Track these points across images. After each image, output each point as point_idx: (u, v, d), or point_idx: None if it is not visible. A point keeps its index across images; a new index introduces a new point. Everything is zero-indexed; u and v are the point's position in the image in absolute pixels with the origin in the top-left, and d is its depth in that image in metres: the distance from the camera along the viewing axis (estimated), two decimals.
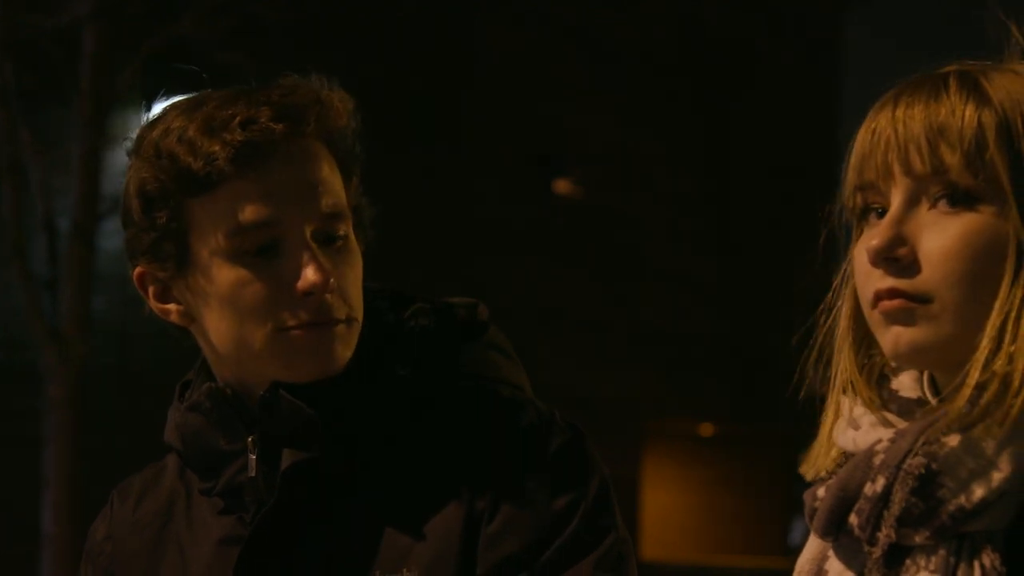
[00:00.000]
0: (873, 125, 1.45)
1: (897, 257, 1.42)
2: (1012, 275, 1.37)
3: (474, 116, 13.55)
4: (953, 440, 1.37)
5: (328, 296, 1.71)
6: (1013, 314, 1.37)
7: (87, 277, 8.92)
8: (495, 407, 1.79)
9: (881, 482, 1.39)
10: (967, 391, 1.37)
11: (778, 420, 15.33)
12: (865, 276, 1.45)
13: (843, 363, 1.52)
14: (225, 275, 1.73)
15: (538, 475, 1.74)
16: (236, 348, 1.75)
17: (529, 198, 14.04)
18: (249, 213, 1.71)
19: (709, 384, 16.22)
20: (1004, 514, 1.36)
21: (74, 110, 8.95)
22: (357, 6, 12.30)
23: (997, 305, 1.37)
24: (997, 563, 1.35)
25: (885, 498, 1.38)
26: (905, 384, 1.49)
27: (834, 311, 1.54)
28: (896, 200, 1.43)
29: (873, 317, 1.45)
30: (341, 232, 1.76)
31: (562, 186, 14.24)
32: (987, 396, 1.35)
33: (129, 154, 1.81)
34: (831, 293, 1.53)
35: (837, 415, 1.51)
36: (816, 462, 1.53)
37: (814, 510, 1.47)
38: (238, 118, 1.70)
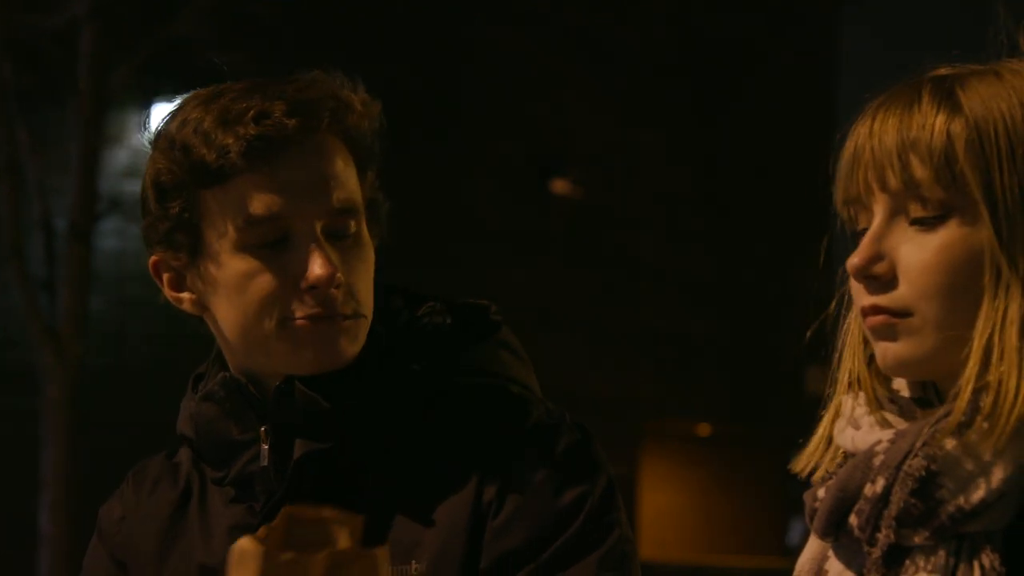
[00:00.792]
0: (853, 140, 1.46)
1: (876, 275, 1.42)
2: (992, 289, 1.37)
3: (471, 115, 13.55)
4: (952, 441, 1.37)
5: (334, 290, 1.72)
6: (998, 328, 1.36)
7: (84, 277, 8.92)
8: (505, 404, 1.80)
9: (881, 483, 1.39)
10: (963, 404, 1.37)
11: (775, 421, 15.33)
12: (856, 290, 1.46)
13: (850, 361, 1.52)
14: (235, 265, 1.74)
15: (546, 472, 1.75)
16: (244, 338, 1.77)
17: (527, 198, 14.05)
18: (259, 206, 1.72)
19: (707, 384, 16.22)
20: (1003, 515, 1.36)
21: (71, 110, 8.96)
22: (354, 5, 12.30)
23: (980, 324, 1.37)
24: (996, 563, 1.35)
25: (885, 499, 1.39)
26: (906, 384, 1.49)
27: (842, 312, 1.54)
28: (877, 216, 1.44)
29: (866, 329, 1.46)
30: (352, 227, 1.77)
31: (560, 186, 14.24)
32: (984, 410, 1.35)
33: (148, 144, 1.83)
34: (837, 293, 1.53)
35: (838, 414, 1.51)
36: (810, 459, 1.53)
37: (814, 510, 1.47)
38: (252, 112, 1.71)
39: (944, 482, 1.36)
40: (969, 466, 1.36)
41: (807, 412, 1.56)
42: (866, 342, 1.50)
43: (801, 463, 1.54)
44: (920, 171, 1.40)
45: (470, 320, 1.87)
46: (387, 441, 1.77)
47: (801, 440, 1.55)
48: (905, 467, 1.38)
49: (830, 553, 1.50)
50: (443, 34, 13.23)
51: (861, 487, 1.41)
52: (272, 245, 1.73)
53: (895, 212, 1.43)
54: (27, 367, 9.51)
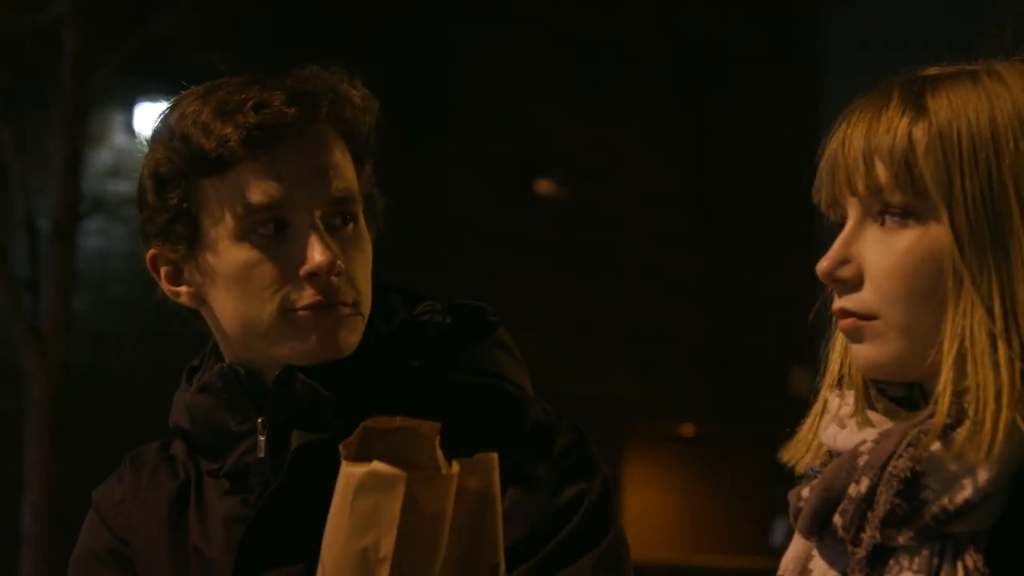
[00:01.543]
0: (831, 143, 1.46)
1: (842, 278, 1.43)
2: (955, 293, 1.37)
3: (457, 115, 13.55)
4: (937, 443, 1.37)
5: (334, 279, 1.72)
6: (968, 333, 1.36)
7: (68, 277, 8.90)
8: (503, 403, 1.81)
9: (865, 483, 1.39)
10: (944, 407, 1.37)
11: (759, 420, 15.35)
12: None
13: (837, 360, 1.52)
14: (234, 255, 1.74)
15: (543, 471, 1.75)
16: (244, 329, 1.76)
17: (512, 197, 14.04)
18: (259, 194, 1.72)
19: (691, 384, 16.23)
20: (988, 515, 1.36)
21: (55, 109, 8.94)
22: (340, 5, 12.29)
23: (948, 329, 1.37)
24: (980, 564, 1.35)
25: (869, 499, 1.39)
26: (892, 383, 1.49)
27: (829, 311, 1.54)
28: (849, 219, 1.45)
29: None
30: (351, 217, 1.77)
31: (545, 186, 14.24)
32: (967, 413, 1.35)
33: (145, 141, 1.82)
34: (824, 293, 1.53)
35: (824, 410, 1.51)
36: (796, 450, 1.53)
37: (799, 510, 1.47)
38: (251, 102, 1.72)
39: (929, 483, 1.36)
40: (954, 467, 1.36)
41: (791, 412, 1.56)
42: None
43: (788, 453, 1.54)
44: (883, 175, 1.41)
45: (468, 320, 1.87)
46: None
47: (788, 430, 1.55)
48: (890, 467, 1.38)
49: (814, 552, 1.50)
50: (430, 34, 13.23)
51: (846, 487, 1.41)
52: (271, 234, 1.73)
53: (864, 216, 1.43)
54: (10, 367, 9.49)
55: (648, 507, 16.45)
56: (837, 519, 1.42)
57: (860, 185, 1.42)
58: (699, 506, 17.31)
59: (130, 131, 10.51)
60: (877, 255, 1.42)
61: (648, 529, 15.84)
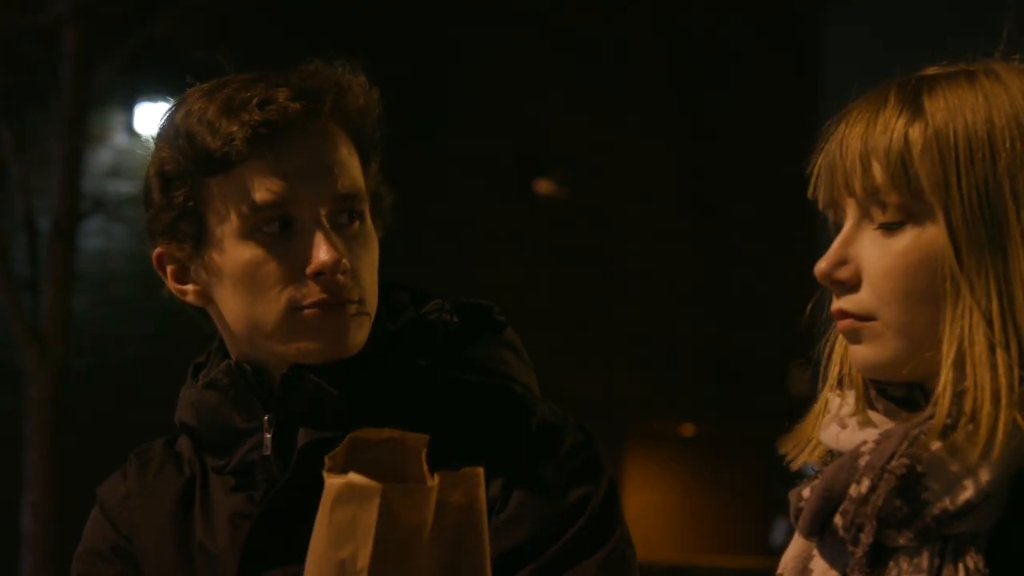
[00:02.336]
0: (827, 145, 1.46)
1: (840, 279, 1.43)
2: (953, 295, 1.37)
3: (457, 115, 13.54)
4: (937, 443, 1.37)
5: (341, 277, 1.72)
6: (966, 334, 1.36)
7: (67, 277, 8.90)
8: (510, 403, 1.81)
9: (866, 483, 1.39)
10: (944, 408, 1.37)
11: (759, 420, 15.36)
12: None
13: (838, 359, 1.52)
14: (240, 254, 1.74)
15: (550, 471, 1.75)
16: (250, 327, 1.76)
17: (512, 197, 14.04)
18: (264, 192, 1.72)
19: (691, 385, 16.23)
20: (988, 516, 1.36)
21: (55, 109, 8.93)
22: (339, 4, 12.29)
23: (947, 331, 1.37)
24: (981, 565, 1.35)
25: (870, 499, 1.38)
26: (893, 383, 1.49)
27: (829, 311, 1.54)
28: (848, 220, 1.45)
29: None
30: (357, 215, 1.76)
31: (545, 186, 14.23)
32: (967, 414, 1.35)
33: (151, 139, 1.82)
34: (824, 294, 1.53)
35: (825, 409, 1.51)
36: (799, 445, 1.53)
37: (799, 510, 1.47)
38: (256, 99, 1.72)
39: (929, 483, 1.36)
40: (954, 468, 1.35)
41: (791, 413, 1.56)
42: None
43: (787, 446, 1.54)
44: (879, 175, 1.40)
45: (475, 319, 1.87)
46: None
47: (787, 424, 1.55)
48: (890, 468, 1.38)
49: (815, 552, 1.50)
50: (429, 34, 13.23)
51: (846, 487, 1.41)
52: (277, 232, 1.73)
53: (862, 217, 1.43)
54: (10, 367, 9.49)
55: (648, 507, 16.44)
56: (838, 519, 1.41)
57: (857, 187, 1.42)
58: (699, 506, 17.32)
59: (130, 131, 10.51)
60: (875, 256, 1.42)
61: (648, 529, 15.84)
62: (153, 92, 10.16)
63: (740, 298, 16.33)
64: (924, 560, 1.37)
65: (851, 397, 1.49)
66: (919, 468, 1.36)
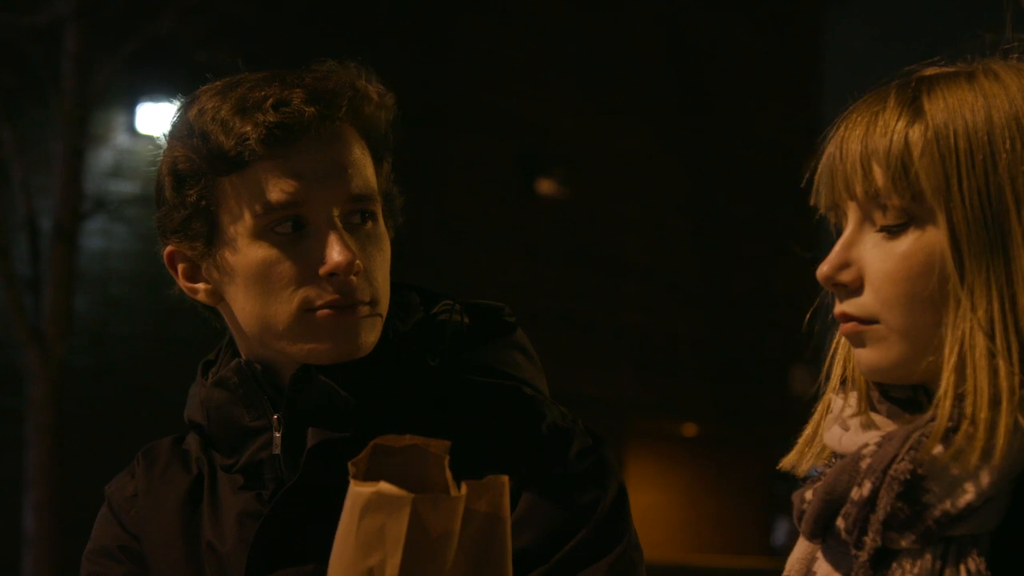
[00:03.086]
0: (829, 146, 1.45)
1: (843, 282, 1.43)
2: (955, 298, 1.36)
3: (457, 115, 13.54)
4: (939, 446, 1.37)
5: (353, 278, 1.72)
6: (967, 337, 1.36)
7: (69, 277, 8.89)
8: (520, 405, 1.80)
9: (868, 486, 1.39)
10: (945, 411, 1.36)
11: (761, 421, 15.35)
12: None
13: (841, 361, 1.52)
14: (253, 254, 1.74)
15: (559, 474, 1.75)
16: (261, 327, 1.76)
17: (513, 198, 14.04)
18: (277, 192, 1.72)
19: (692, 384, 16.22)
20: (990, 518, 1.36)
21: (55, 109, 8.93)
22: (338, 4, 12.29)
23: (948, 334, 1.37)
24: (983, 567, 1.34)
25: (872, 502, 1.38)
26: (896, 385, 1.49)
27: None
28: (849, 223, 1.44)
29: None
30: (369, 216, 1.76)
31: (546, 186, 14.23)
32: (968, 417, 1.35)
33: (164, 136, 1.81)
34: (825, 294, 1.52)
35: (827, 412, 1.51)
36: (799, 456, 1.52)
37: (802, 512, 1.46)
38: (271, 99, 1.71)
39: (931, 486, 1.36)
40: (956, 470, 1.35)
41: (793, 413, 1.56)
42: None
43: (790, 460, 1.53)
44: (880, 178, 1.40)
45: (485, 320, 1.87)
46: (400, 433, 1.77)
47: (791, 439, 1.54)
48: (892, 471, 1.37)
49: (819, 554, 1.50)
50: (430, 34, 13.22)
51: (848, 490, 1.40)
52: (289, 232, 1.73)
53: (864, 220, 1.43)
54: (11, 367, 9.49)
55: (650, 507, 16.44)
56: (840, 522, 1.41)
57: (858, 189, 1.41)
58: (700, 506, 17.31)
59: (131, 131, 10.49)
60: (877, 259, 1.41)
61: (650, 529, 15.84)
62: (154, 92, 10.15)
63: (742, 298, 16.32)
64: (927, 562, 1.37)
65: (853, 399, 1.48)
66: (920, 471, 1.36)
